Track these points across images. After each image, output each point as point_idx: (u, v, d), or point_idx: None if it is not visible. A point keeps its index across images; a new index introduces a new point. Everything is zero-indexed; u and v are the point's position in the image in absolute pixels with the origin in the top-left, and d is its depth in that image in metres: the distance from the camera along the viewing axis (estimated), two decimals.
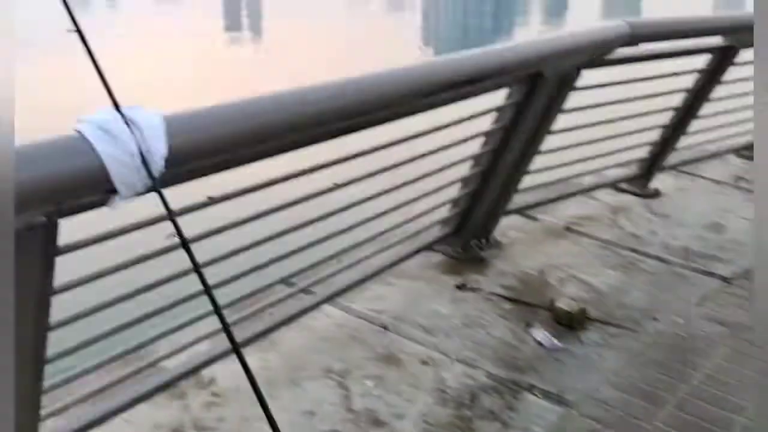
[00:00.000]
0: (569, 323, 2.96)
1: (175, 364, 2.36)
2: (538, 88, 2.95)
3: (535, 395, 2.55)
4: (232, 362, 1.66)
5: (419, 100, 2.40)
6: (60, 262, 1.61)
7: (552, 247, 3.68)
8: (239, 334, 2.10)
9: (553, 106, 3.15)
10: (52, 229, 1.50)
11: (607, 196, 4.30)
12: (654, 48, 3.53)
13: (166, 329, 2.20)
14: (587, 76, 3.22)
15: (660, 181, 4.46)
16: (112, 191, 1.43)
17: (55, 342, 1.77)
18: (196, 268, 1.51)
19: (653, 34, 3.35)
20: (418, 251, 3.26)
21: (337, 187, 2.43)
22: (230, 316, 2.24)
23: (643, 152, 4.29)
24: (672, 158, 4.44)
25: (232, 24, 23.73)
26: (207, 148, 1.69)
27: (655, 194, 4.35)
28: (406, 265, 3.23)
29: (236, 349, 1.53)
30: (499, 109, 3.03)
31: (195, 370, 2.38)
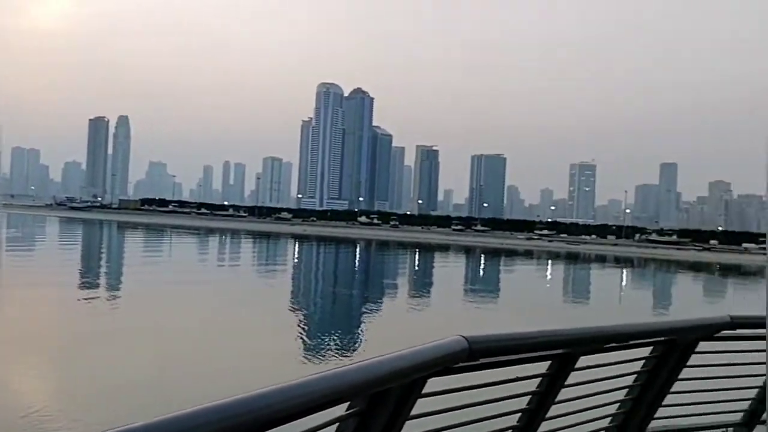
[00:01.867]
0: None
1: None
2: (383, 399, 3.07)
3: None
4: None
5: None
6: None
7: None
8: None
9: (400, 414, 3.26)
10: None
11: None
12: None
13: None
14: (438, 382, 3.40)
15: None
16: None
17: None
18: None
19: (492, 349, 3.59)
20: None
21: None
22: None
23: None
24: None
25: None
26: None
27: None
28: None
29: None
30: (339, 419, 3.06)
31: None
